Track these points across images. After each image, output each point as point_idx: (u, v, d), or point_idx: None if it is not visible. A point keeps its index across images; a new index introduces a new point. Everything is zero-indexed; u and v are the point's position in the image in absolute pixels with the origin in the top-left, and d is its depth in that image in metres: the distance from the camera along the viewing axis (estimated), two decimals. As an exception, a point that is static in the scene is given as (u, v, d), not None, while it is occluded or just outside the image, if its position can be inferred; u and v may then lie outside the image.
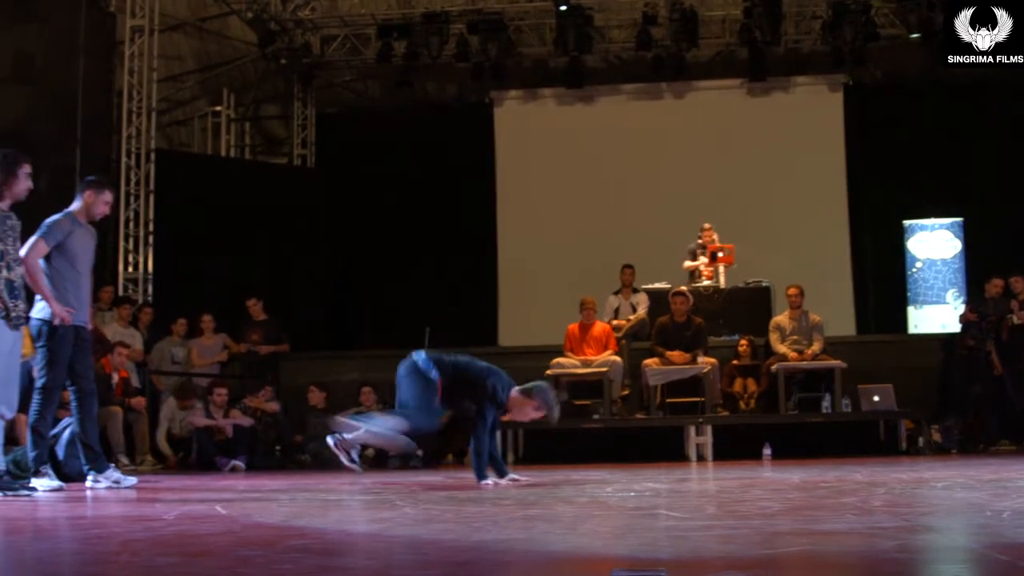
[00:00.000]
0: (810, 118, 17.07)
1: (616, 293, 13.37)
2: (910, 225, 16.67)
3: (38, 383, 7.42)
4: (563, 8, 16.10)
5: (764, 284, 13.71)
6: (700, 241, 13.83)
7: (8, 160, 6.84)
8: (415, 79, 17.49)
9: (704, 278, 13.63)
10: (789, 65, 17.36)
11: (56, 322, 7.28)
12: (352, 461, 6.88)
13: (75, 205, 7.66)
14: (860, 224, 16.81)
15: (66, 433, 8.87)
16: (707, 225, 13.88)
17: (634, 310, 13.09)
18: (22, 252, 7.28)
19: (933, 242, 16.60)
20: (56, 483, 7.33)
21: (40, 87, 13.98)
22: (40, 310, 7.37)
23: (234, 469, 10.83)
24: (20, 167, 6.86)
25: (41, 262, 7.35)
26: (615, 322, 13.03)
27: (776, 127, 17.00)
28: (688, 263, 13.86)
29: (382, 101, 18.63)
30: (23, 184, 6.89)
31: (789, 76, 17.32)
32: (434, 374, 6.95)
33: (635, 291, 13.30)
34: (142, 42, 15.13)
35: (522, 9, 16.82)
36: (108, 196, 7.82)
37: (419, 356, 7.08)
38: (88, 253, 7.69)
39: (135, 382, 11.86)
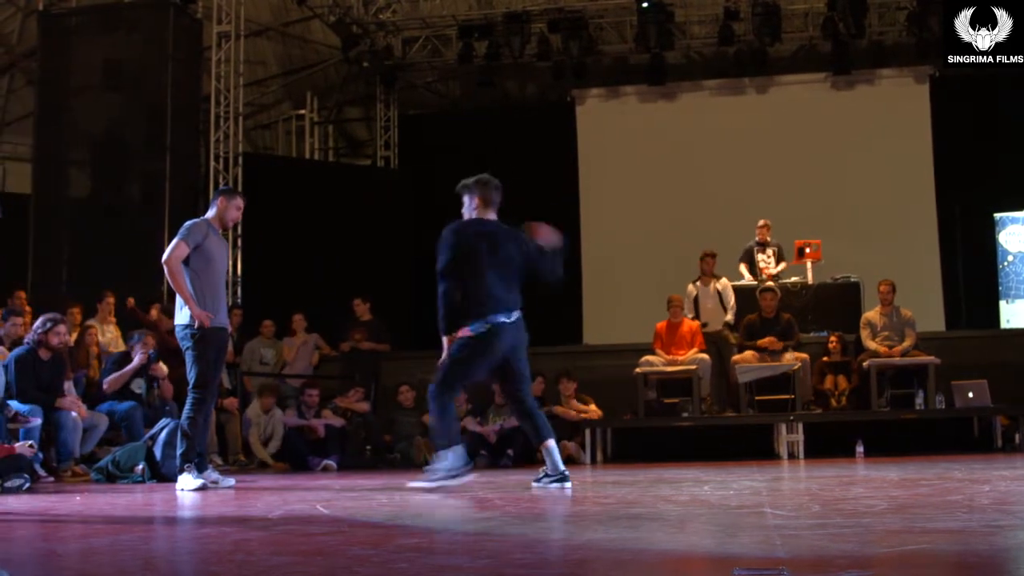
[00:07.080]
0: (896, 111, 16.83)
1: (695, 282, 13.01)
2: (1001, 218, 16.38)
3: (190, 384, 7.60)
4: (644, 5, 16.04)
5: (853, 279, 13.50)
6: (757, 239, 13.59)
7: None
8: (496, 79, 17.54)
9: (765, 275, 13.39)
10: (873, 57, 17.16)
11: (196, 325, 7.45)
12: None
13: (209, 213, 7.92)
14: (949, 218, 16.52)
15: (163, 434, 9.02)
16: (763, 222, 13.58)
17: (720, 296, 12.78)
18: (164, 255, 7.55)
19: (1025, 235, 16.31)
20: (199, 481, 7.43)
21: (130, 94, 14.24)
22: (182, 315, 7.56)
23: (326, 469, 10.92)
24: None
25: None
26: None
27: (861, 120, 16.80)
28: (744, 269, 13.53)
29: (464, 101, 18.73)
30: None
31: (874, 69, 17.11)
32: None
33: (716, 277, 12.98)
34: (228, 48, 15.38)
35: (603, 7, 16.80)
36: (239, 202, 8.04)
37: None
38: (223, 258, 7.90)
39: (226, 383, 11.99)
